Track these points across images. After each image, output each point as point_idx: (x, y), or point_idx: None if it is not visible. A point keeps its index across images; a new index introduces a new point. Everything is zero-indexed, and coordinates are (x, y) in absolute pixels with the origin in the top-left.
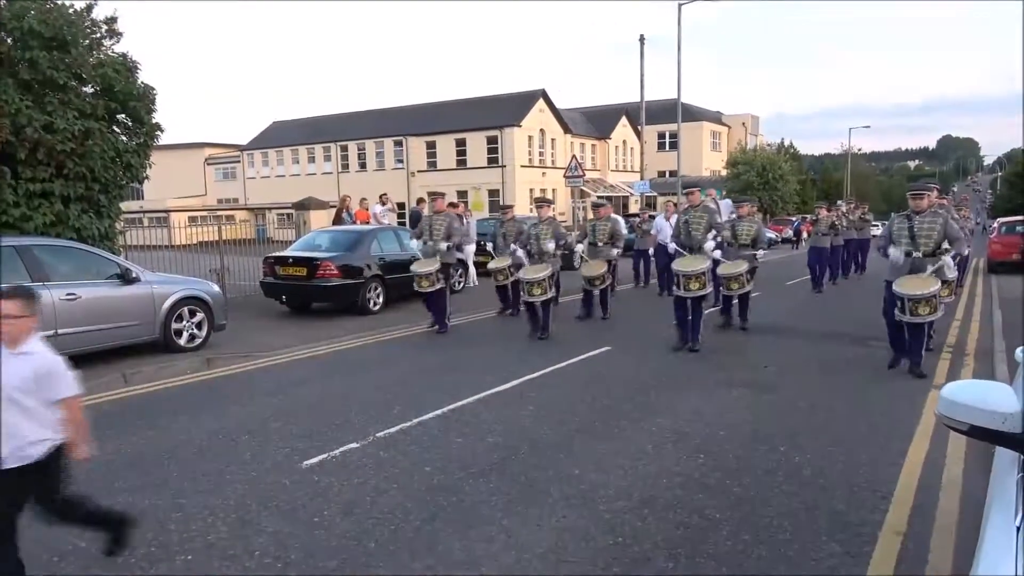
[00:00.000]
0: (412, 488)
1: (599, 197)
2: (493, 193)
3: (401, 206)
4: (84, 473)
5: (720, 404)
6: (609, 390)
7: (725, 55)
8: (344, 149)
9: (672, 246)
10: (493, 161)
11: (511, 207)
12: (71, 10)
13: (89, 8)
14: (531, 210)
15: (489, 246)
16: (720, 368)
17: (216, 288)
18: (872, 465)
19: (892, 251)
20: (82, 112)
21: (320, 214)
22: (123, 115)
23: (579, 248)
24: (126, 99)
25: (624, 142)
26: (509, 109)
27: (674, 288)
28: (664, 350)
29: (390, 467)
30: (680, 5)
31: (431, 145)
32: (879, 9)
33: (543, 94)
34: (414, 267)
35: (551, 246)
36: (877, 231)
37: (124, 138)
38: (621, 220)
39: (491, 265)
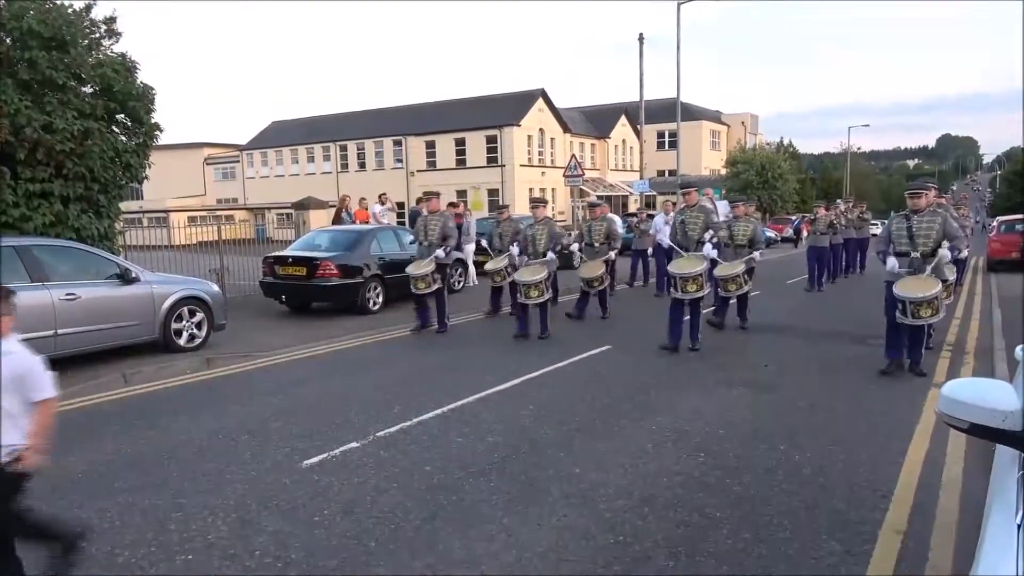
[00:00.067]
0: (412, 487)
1: (596, 197)
2: (492, 193)
3: (401, 206)
4: (84, 474)
5: (720, 403)
6: (609, 389)
7: (725, 55)
8: (343, 149)
9: (667, 242)
10: (492, 161)
11: (506, 207)
12: (70, 10)
13: (88, 8)
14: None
15: (484, 243)
16: (720, 367)
17: (216, 288)
18: (872, 464)
19: (890, 261)
20: (81, 112)
21: (319, 214)
22: (122, 115)
23: (575, 248)
24: (125, 99)
25: (623, 141)
26: (508, 108)
27: (671, 290)
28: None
29: (390, 466)
30: (679, 4)
31: (430, 145)
32: (879, 9)
33: (542, 93)
34: (409, 269)
35: (551, 256)
36: (876, 230)
37: (123, 138)
38: (617, 220)
39: (488, 266)
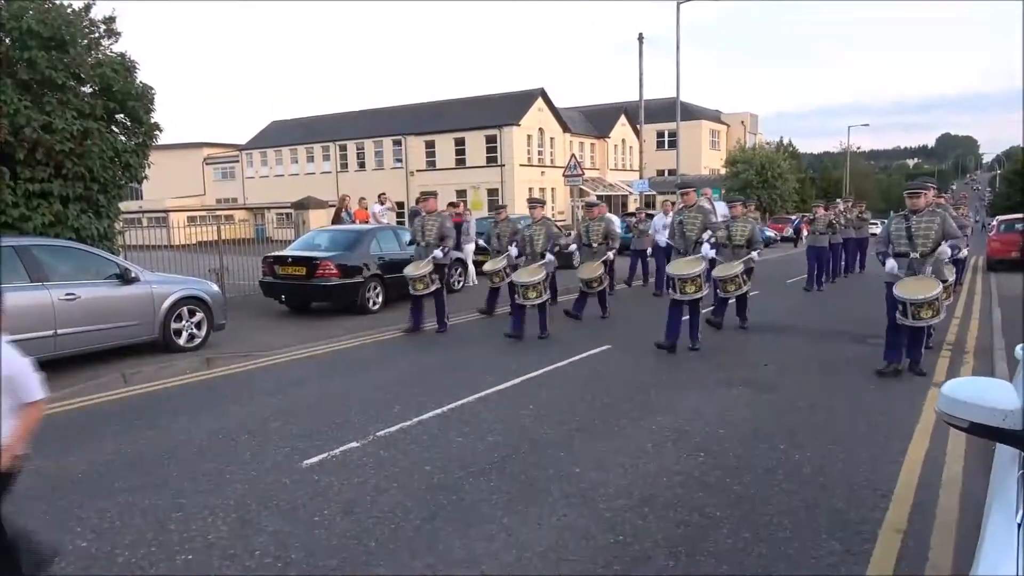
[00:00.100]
0: (412, 487)
1: (596, 197)
2: (492, 192)
3: (400, 205)
4: (84, 474)
5: (720, 403)
6: (609, 389)
7: (724, 54)
8: (343, 149)
9: (663, 239)
10: (492, 160)
11: (504, 207)
12: (69, 10)
13: (87, 8)
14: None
15: (482, 242)
16: (720, 367)
17: (215, 288)
18: (872, 463)
19: (889, 263)
20: (81, 112)
21: (319, 213)
22: (122, 115)
23: (573, 249)
24: (125, 99)
25: (623, 141)
26: (508, 108)
27: (669, 291)
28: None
29: (390, 466)
30: (679, 4)
31: (430, 144)
32: (879, 9)
33: (542, 93)
34: (407, 270)
35: (549, 257)
36: (876, 230)
37: (123, 138)
38: (616, 219)
39: (486, 267)
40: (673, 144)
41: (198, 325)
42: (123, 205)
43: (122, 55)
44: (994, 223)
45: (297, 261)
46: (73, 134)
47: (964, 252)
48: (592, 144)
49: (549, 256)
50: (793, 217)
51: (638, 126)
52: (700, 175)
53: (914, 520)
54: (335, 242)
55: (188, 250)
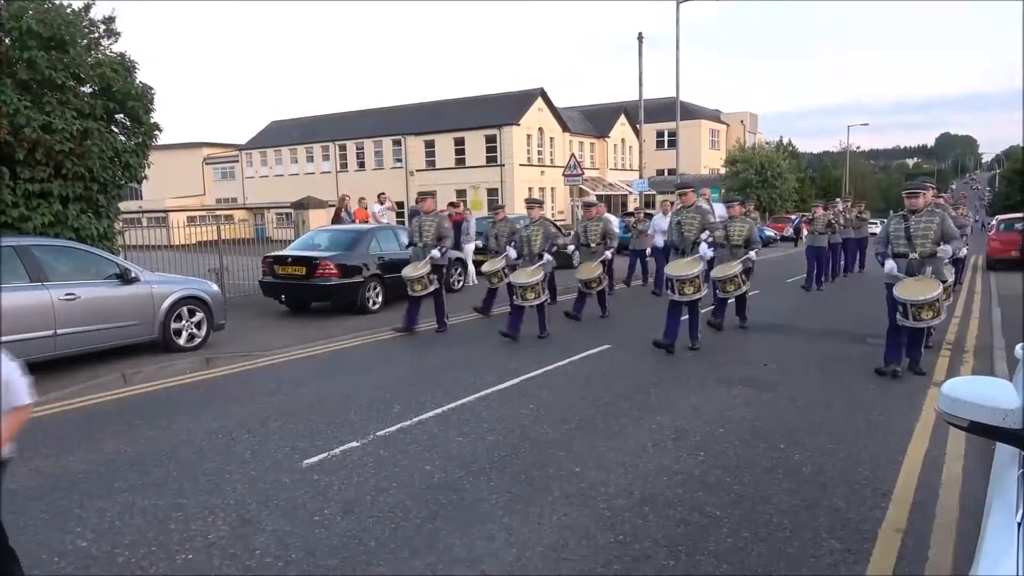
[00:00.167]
0: (412, 486)
1: (595, 196)
2: (492, 192)
3: (400, 205)
4: (84, 474)
5: (720, 402)
6: (609, 388)
7: (724, 54)
8: (343, 148)
9: (658, 241)
10: (492, 160)
11: (502, 208)
12: (69, 10)
13: (87, 8)
14: None
15: (479, 243)
16: (719, 366)
17: (215, 288)
18: (872, 462)
19: (888, 264)
20: (80, 112)
21: (319, 213)
22: (121, 115)
23: (571, 250)
24: (124, 99)
25: (623, 140)
26: (507, 108)
27: (668, 292)
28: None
29: (390, 466)
30: (678, 3)
31: (430, 144)
32: (879, 9)
33: (541, 93)
34: (405, 272)
35: (547, 257)
36: (875, 229)
37: (123, 138)
38: (614, 219)
39: (485, 268)
40: (673, 144)
41: (198, 325)
42: (123, 205)
43: (122, 55)
44: (994, 222)
45: (297, 261)
46: (73, 134)
47: (964, 251)
48: (592, 144)
49: (547, 256)
50: (793, 217)
51: (638, 126)
52: (700, 175)
53: (914, 519)
54: (335, 242)
55: (188, 250)
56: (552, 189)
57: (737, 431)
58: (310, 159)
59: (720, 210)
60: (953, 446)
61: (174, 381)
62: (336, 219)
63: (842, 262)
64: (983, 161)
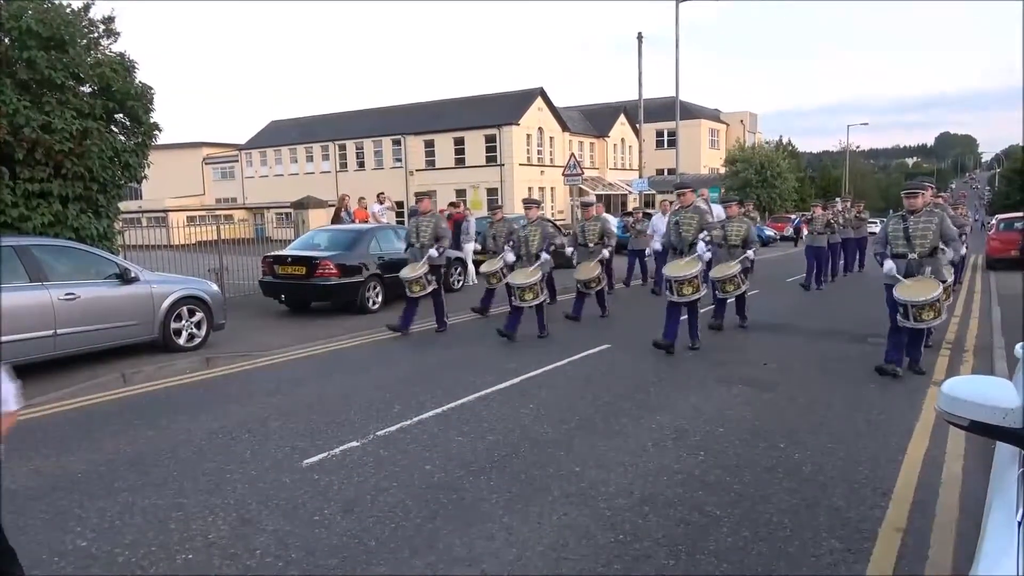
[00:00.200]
0: (412, 486)
1: (593, 196)
2: (492, 192)
3: (400, 205)
4: (84, 474)
5: (720, 401)
6: (609, 388)
7: (724, 53)
8: (342, 148)
9: (656, 245)
10: (491, 160)
11: (500, 208)
12: (68, 10)
13: (86, 8)
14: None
15: (476, 245)
16: (719, 366)
17: (215, 287)
18: (872, 462)
19: (887, 264)
20: (80, 112)
21: (319, 213)
22: (121, 115)
23: (569, 251)
24: (124, 98)
25: (622, 140)
26: (507, 108)
27: (667, 293)
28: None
29: (390, 465)
30: (677, 3)
31: (429, 144)
32: (879, 9)
33: (541, 92)
34: (403, 273)
35: (545, 256)
36: (875, 228)
37: (122, 137)
38: (611, 219)
39: (483, 268)
40: (672, 143)
41: (198, 325)
42: (122, 205)
43: (121, 55)
44: (993, 222)
45: (297, 261)
46: (72, 134)
47: (963, 249)
48: (591, 143)
49: (545, 256)
50: (793, 216)
51: (637, 125)
52: (699, 174)
53: (914, 519)
54: (335, 242)
55: (188, 250)
56: (552, 189)
57: (737, 430)
58: (310, 159)
59: (718, 210)
60: (953, 445)
61: (174, 381)
62: (336, 219)
63: (841, 262)
64: (983, 160)
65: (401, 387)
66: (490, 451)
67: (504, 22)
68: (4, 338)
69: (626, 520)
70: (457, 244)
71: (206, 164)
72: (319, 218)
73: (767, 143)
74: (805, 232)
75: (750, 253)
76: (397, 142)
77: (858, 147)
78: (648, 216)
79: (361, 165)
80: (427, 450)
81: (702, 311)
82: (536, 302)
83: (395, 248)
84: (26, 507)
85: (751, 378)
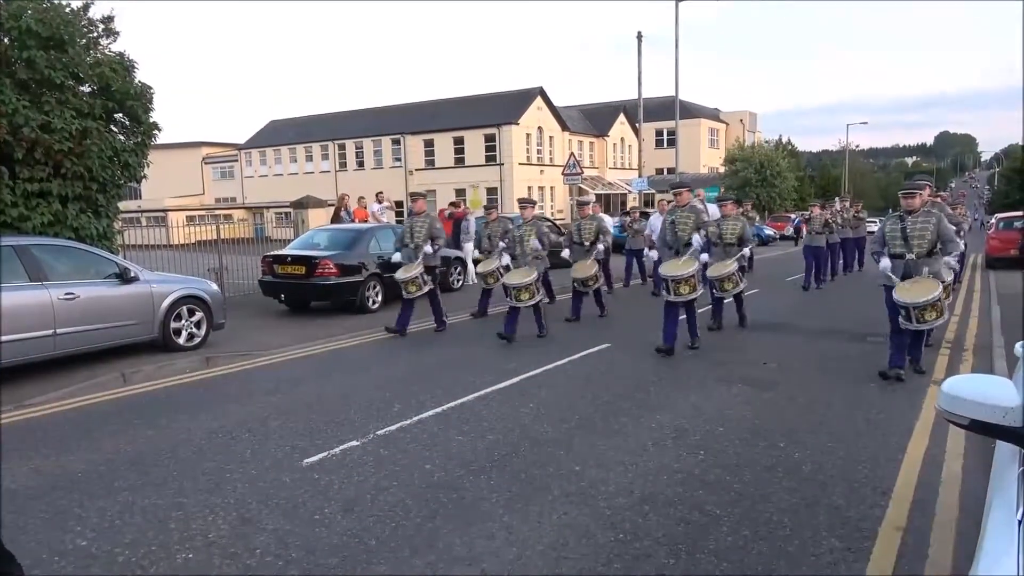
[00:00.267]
0: (412, 485)
1: (592, 196)
2: (491, 191)
3: (400, 204)
4: (84, 473)
5: (720, 401)
6: (609, 387)
7: (724, 53)
8: (342, 148)
9: (653, 255)
10: (491, 159)
11: (495, 208)
12: (68, 9)
13: (86, 7)
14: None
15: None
16: (719, 365)
17: (215, 287)
18: (872, 461)
19: (883, 261)
20: (79, 111)
21: (318, 213)
22: (121, 114)
23: (566, 253)
24: (123, 98)
25: (622, 139)
26: (507, 107)
27: (663, 293)
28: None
29: (390, 465)
30: (677, 2)
31: (429, 143)
32: (879, 9)
33: (540, 92)
34: (398, 274)
35: (535, 243)
36: (874, 227)
37: (122, 137)
38: (607, 218)
39: (480, 268)
40: (672, 143)
41: (197, 324)
42: (122, 204)
43: (121, 54)
44: (993, 221)
45: (296, 260)
46: (72, 133)
47: (962, 246)
48: (591, 143)
49: (535, 244)
50: (793, 216)
51: (637, 125)
52: (699, 174)
53: (914, 518)
54: (334, 241)
55: (187, 249)
56: (551, 188)
57: (737, 430)
58: (309, 158)
59: (714, 210)
60: (953, 444)
61: (174, 380)
62: (335, 218)
63: (840, 261)
64: (982, 160)
65: (401, 386)
66: (490, 450)
67: (504, 22)
68: (4, 338)
69: (626, 519)
70: (457, 243)
71: (206, 164)
72: (319, 218)
73: (767, 142)
74: (805, 232)
75: (746, 251)
76: (396, 142)
77: (857, 146)
78: (646, 216)
79: (360, 165)
80: (427, 449)
81: (700, 311)
82: (532, 302)
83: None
84: (26, 507)
85: (751, 377)
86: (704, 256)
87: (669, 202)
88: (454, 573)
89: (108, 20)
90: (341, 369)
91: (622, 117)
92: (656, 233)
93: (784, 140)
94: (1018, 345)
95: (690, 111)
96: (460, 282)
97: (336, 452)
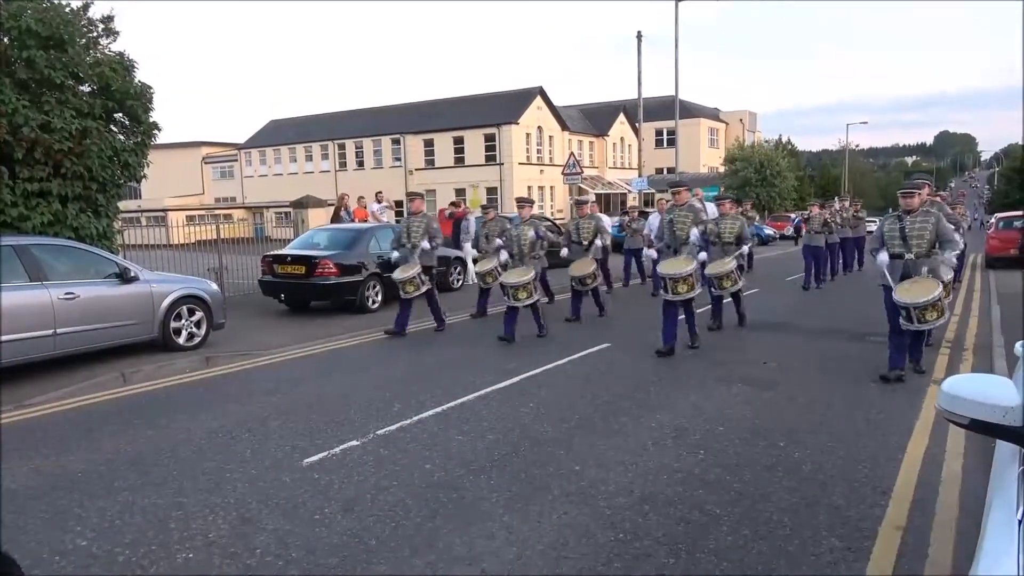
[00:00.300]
0: (412, 485)
1: (592, 195)
2: (491, 191)
3: (399, 204)
4: (84, 473)
5: (719, 400)
6: (609, 387)
7: (724, 53)
8: (342, 147)
9: (652, 253)
10: (491, 159)
11: (492, 208)
12: (68, 9)
13: (86, 7)
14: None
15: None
16: (719, 364)
17: (214, 287)
18: (872, 460)
19: (881, 256)
20: (79, 111)
21: (318, 212)
22: (120, 114)
23: (564, 253)
24: (123, 98)
25: (622, 139)
26: (506, 107)
27: (662, 292)
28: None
29: (390, 464)
30: (677, 2)
31: (429, 143)
32: (879, 9)
33: (540, 91)
34: (395, 275)
35: (531, 233)
36: (873, 227)
37: (122, 137)
38: (605, 217)
39: (478, 268)
40: (672, 142)
41: (197, 324)
42: (122, 204)
43: (121, 54)
44: (993, 220)
45: (296, 260)
46: (72, 133)
47: (961, 245)
48: (591, 142)
49: (531, 234)
50: (793, 216)
51: (637, 124)
52: (699, 173)
53: (914, 517)
54: (334, 241)
55: (187, 249)
56: (551, 188)
57: (737, 429)
58: (309, 158)
59: (712, 209)
60: (953, 444)
61: (173, 380)
62: (335, 218)
63: (840, 261)
64: (982, 159)
65: (401, 386)
66: (490, 450)
67: (504, 22)
68: (4, 338)
69: (626, 519)
70: (457, 243)
71: (205, 163)
72: (318, 217)
73: (766, 142)
74: (805, 231)
75: (744, 249)
76: (396, 141)
77: (857, 146)
78: (644, 215)
79: (360, 164)
80: (427, 449)
81: (700, 311)
82: (529, 301)
83: None
84: (26, 507)
85: (751, 377)
86: (702, 255)
87: (668, 201)
88: (454, 573)
89: (108, 20)
90: (341, 369)
91: (622, 117)
92: (655, 232)
93: (784, 140)
94: (1018, 345)
95: (690, 111)
96: (460, 282)
97: (336, 452)
